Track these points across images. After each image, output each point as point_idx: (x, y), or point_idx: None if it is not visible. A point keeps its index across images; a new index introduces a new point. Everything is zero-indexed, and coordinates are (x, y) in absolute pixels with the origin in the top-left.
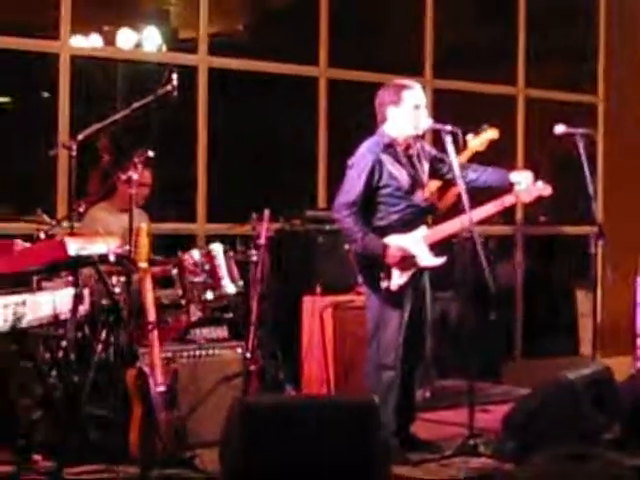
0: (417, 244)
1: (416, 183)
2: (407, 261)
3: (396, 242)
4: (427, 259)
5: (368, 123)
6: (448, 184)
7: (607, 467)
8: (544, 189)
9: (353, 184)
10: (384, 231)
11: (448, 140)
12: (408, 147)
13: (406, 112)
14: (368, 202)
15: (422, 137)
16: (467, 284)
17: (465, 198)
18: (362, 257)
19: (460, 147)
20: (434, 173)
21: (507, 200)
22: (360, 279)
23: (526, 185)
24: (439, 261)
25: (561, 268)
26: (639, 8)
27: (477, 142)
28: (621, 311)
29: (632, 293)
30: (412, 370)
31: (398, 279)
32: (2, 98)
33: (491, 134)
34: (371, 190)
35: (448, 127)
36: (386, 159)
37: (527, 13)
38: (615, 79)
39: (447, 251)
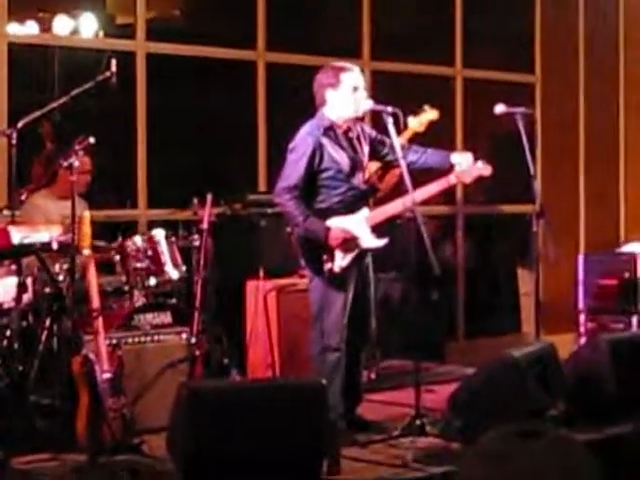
0: (359, 226)
1: (357, 165)
2: (349, 243)
3: (338, 224)
4: (369, 241)
5: (307, 106)
6: (389, 166)
7: (557, 443)
8: (484, 169)
9: (294, 168)
10: (326, 214)
11: (389, 121)
12: (348, 130)
13: (345, 95)
14: (309, 185)
15: (362, 119)
16: (410, 265)
17: (407, 179)
18: (304, 240)
19: (401, 128)
20: (374, 155)
21: (448, 180)
22: (303, 262)
23: (467, 166)
24: (381, 242)
25: (502, 247)
26: None
27: (417, 123)
28: (563, 289)
29: (573, 271)
30: (357, 351)
31: (341, 261)
32: None
33: (431, 115)
34: (312, 173)
35: (389, 108)
36: (326, 142)
37: None
38: (551, 59)
39: (390, 232)
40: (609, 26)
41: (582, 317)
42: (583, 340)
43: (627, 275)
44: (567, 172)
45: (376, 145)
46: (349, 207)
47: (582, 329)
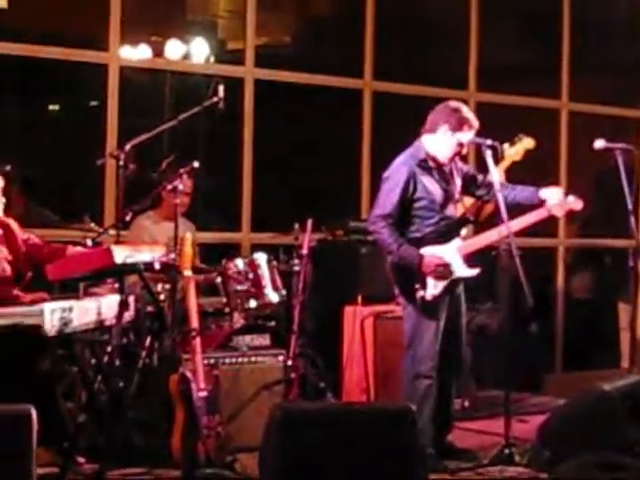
0: (451, 255)
1: (449, 197)
2: (442, 270)
3: (431, 252)
4: (461, 270)
5: (410, 135)
6: (480, 201)
7: (637, 476)
8: (575, 203)
9: (388, 196)
10: (419, 243)
11: (488, 154)
12: (442, 164)
13: (452, 142)
14: (403, 214)
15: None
16: (508, 296)
17: (503, 209)
18: (398, 268)
19: (498, 159)
20: (465, 190)
21: (540, 213)
22: (397, 290)
23: (557, 200)
24: (474, 272)
25: (604, 281)
26: None
27: (512, 151)
28: None
29: None
30: (449, 380)
31: (433, 289)
32: (53, 106)
33: (527, 143)
34: (406, 202)
35: (488, 141)
36: (420, 173)
37: (570, 26)
38: None
39: (487, 263)
40: None
41: None
42: None
43: None
44: None
45: (468, 180)
46: (441, 237)
47: None
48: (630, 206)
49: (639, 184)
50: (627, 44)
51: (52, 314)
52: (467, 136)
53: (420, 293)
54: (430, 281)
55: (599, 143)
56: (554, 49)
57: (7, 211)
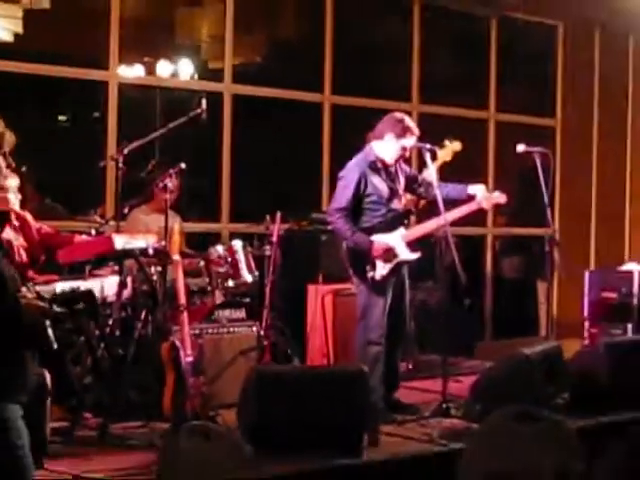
0: (397, 241)
1: (394, 193)
2: (389, 254)
3: (380, 239)
4: (405, 254)
5: (361, 142)
6: (420, 197)
7: (551, 426)
8: (500, 197)
9: (343, 193)
10: (369, 232)
11: (427, 156)
12: (388, 165)
13: (397, 147)
14: (356, 207)
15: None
16: (445, 276)
17: (440, 203)
18: (352, 253)
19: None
20: (407, 188)
21: (470, 206)
22: (351, 271)
23: (482, 195)
24: (415, 255)
25: (528, 263)
26: (589, 46)
27: (443, 152)
28: (572, 300)
29: (581, 285)
30: (395, 346)
31: (382, 270)
32: (61, 117)
33: (455, 145)
34: (358, 198)
35: (427, 145)
36: (370, 173)
37: (497, 48)
38: (571, 105)
39: (428, 248)
40: (620, 74)
41: (586, 324)
42: (586, 343)
43: (624, 290)
44: (581, 202)
45: (410, 180)
46: (388, 226)
47: (586, 334)
48: (546, 200)
49: (554, 182)
50: (543, 62)
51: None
52: (409, 142)
53: (370, 273)
54: (379, 263)
55: (520, 147)
56: (482, 67)
57: (22, 206)
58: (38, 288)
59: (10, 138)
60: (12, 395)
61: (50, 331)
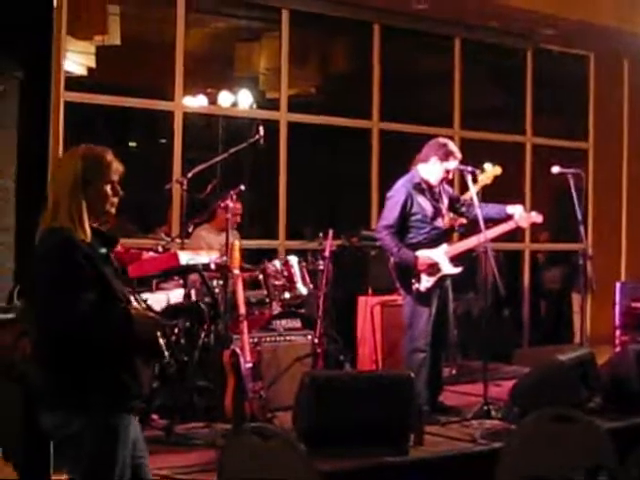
0: (440, 257)
1: (438, 212)
2: (433, 268)
3: (424, 254)
4: (448, 268)
5: (407, 164)
6: (462, 216)
7: (584, 427)
8: (537, 217)
9: (391, 211)
10: (415, 247)
11: (469, 178)
12: (433, 185)
13: (440, 170)
14: (402, 225)
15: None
16: (486, 288)
17: (481, 221)
18: (398, 267)
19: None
20: (451, 207)
21: (509, 225)
22: (397, 284)
23: (520, 214)
24: (458, 270)
25: (561, 276)
26: (619, 74)
27: (484, 177)
28: (605, 310)
29: (613, 296)
30: (439, 353)
31: (426, 282)
32: (132, 143)
33: (495, 170)
34: (404, 216)
35: (469, 168)
36: (415, 193)
37: (533, 77)
38: (602, 130)
39: (470, 262)
40: None
41: (617, 332)
42: (617, 349)
43: None
44: (612, 219)
45: (453, 201)
46: (432, 243)
47: (617, 342)
48: (579, 217)
49: (587, 200)
50: (575, 90)
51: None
52: (452, 165)
53: (415, 286)
54: (423, 276)
55: (555, 169)
56: (519, 95)
57: None
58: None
59: (118, 167)
60: (124, 403)
61: (161, 341)
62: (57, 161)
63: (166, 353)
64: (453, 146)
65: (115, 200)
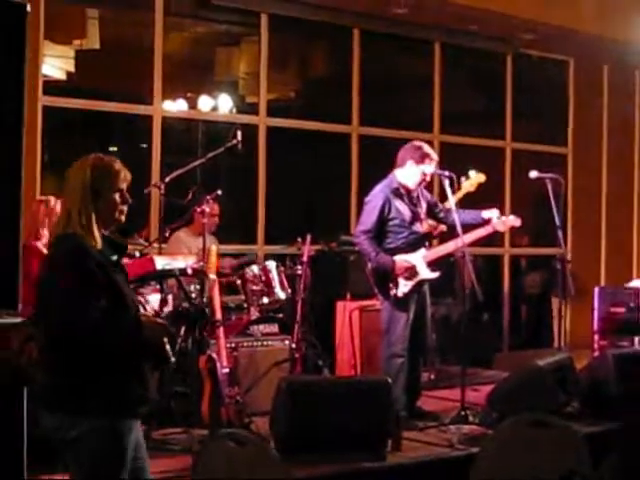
0: (418, 261)
1: (416, 217)
2: (410, 272)
3: (401, 259)
4: (426, 273)
5: (386, 169)
6: (440, 221)
7: (559, 433)
8: (515, 221)
9: (369, 216)
10: (393, 252)
11: (446, 183)
12: (410, 190)
13: (417, 173)
14: (380, 230)
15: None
16: (464, 292)
17: (459, 226)
18: (376, 272)
19: (455, 189)
20: (428, 213)
21: (486, 229)
22: (375, 289)
23: (497, 218)
24: (435, 275)
25: (543, 281)
26: (598, 80)
27: (468, 184)
28: (584, 315)
29: (591, 301)
30: (418, 358)
31: (403, 287)
32: (112, 148)
33: (479, 177)
34: (382, 221)
35: (446, 173)
36: (393, 198)
37: (513, 82)
38: (581, 136)
39: (448, 266)
40: (627, 108)
41: (596, 337)
42: (596, 354)
43: (631, 305)
44: (591, 224)
45: (431, 206)
46: (410, 248)
47: (596, 346)
48: (558, 222)
49: (565, 205)
50: (555, 95)
51: None
52: (429, 168)
53: (393, 291)
54: (401, 281)
55: (533, 173)
56: (499, 99)
57: None
58: None
59: (127, 176)
60: (131, 409)
61: (168, 347)
62: (68, 170)
63: (172, 359)
64: (428, 149)
65: (124, 208)
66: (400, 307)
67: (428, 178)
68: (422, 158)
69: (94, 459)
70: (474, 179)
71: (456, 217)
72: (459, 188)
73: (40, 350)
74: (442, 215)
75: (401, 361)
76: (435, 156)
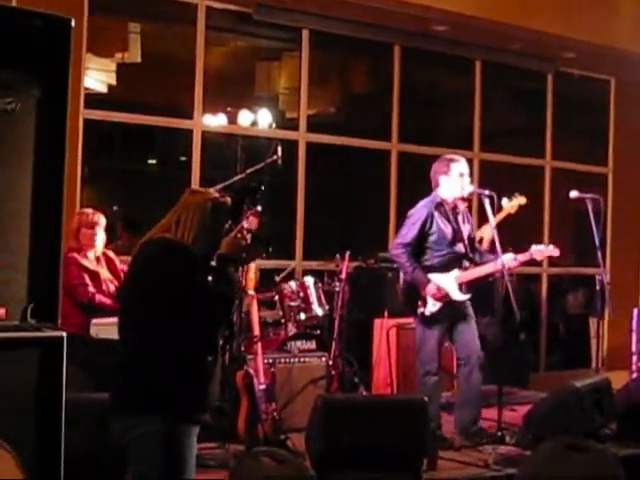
0: (450, 282)
1: (457, 236)
2: (440, 294)
3: (436, 280)
4: (456, 295)
5: (425, 187)
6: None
7: (597, 456)
8: (553, 251)
9: (410, 229)
10: (427, 270)
11: (486, 202)
12: (455, 207)
13: (453, 179)
14: (419, 245)
15: (468, 200)
16: (502, 312)
17: (498, 246)
18: (407, 287)
19: (495, 209)
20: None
21: (524, 256)
22: (406, 306)
23: (535, 248)
24: (465, 297)
25: (579, 301)
26: (638, 101)
27: (509, 206)
28: (622, 336)
29: (629, 321)
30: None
31: (431, 307)
32: (151, 161)
33: (521, 200)
34: (422, 236)
35: (487, 192)
36: (436, 214)
37: (553, 100)
38: (622, 155)
39: (486, 285)
40: None
41: (634, 358)
42: (634, 375)
43: None
44: (632, 245)
45: (471, 240)
46: (445, 267)
47: (634, 367)
48: (597, 242)
49: (605, 225)
50: (596, 114)
51: None
52: (459, 166)
53: (421, 309)
54: (430, 300)
55: (573, 193)
56: (540, 117)
57: (108, 243)
58: None
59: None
60: (196, 414)
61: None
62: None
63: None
64: (448, 155)
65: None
66: (429, 325)
67: (467, 179)
68: (447, 162)
69: (152, 461)
70: (515, 201)
71: (495, 234)
72: (500, 210)
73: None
74: (477, 258)
75: (435, 379)
76: (459, 157)
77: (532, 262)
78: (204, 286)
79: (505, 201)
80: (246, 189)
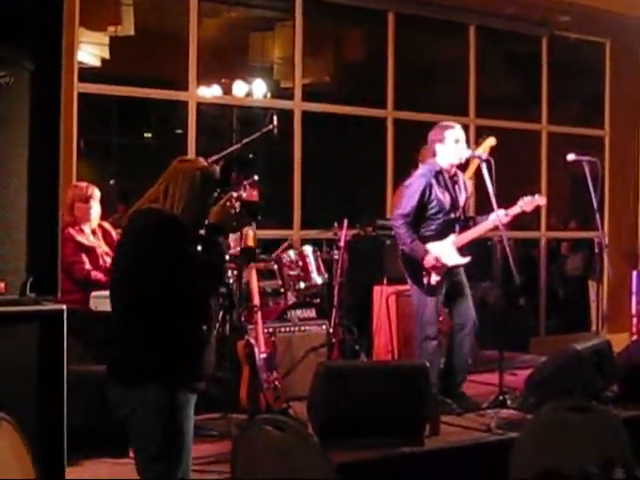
0: (447, 249)
1: (455, 204)
2: (439, 265)
3: (433, 250)
4: (454, 259)
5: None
6: None
7: (599, 417)
8: (540, 200)
9: (409, 200)
10: (426, 239)
11: (483, 166)
12: (454, 175)
13: (449, 146)
14: (418, 215)
15: (465, 165)
16: (501, 276)
17: (494, 202)
18: (407, 257)
19: (492, 173)
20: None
21: (513, 210)
22: (405, 273)
23: (522, 200)
24: (464, 260)
25: (576, 264)
26: (635, 61)
27: (480, 150)
28: (622, 298)
29: (629, 283)
30: (462, 336)
31: (435, 277)
32: (147, 134)
33: (490, 141)
34: (421, 206)
35: (483, 156)
36: (435, 184)
37: (548, 64)
38: (618, 117)
39: (485, 249)
40: None
41: (634, 320)
42: (634, 338)
43: None
44: (629, 207)
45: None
46: (441, 235)
47: (634, 329)
48: (595, 205)
49: (603, 188)
50: (591, 77)
51: None
52: (454, 132)
53: (426, 280)
54: (432, 271)
55: (570, 156)
56: (535, 82)
57: (105, 216)
58: None
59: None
60: (192, 383)
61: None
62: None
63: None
64: (441, 123)
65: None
66: (430, 292)
67: (463, 144)
68: (442, 130)
69: (151, 432)
70: (486, 143)
71: (492, 196)
72: (491, 169)
73: (114, 322)
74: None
75: (435, 344)
76: (454, 123)
77: (525, 214)
78: (194, 256)
79: (474, 147)
80: (237, 160)
